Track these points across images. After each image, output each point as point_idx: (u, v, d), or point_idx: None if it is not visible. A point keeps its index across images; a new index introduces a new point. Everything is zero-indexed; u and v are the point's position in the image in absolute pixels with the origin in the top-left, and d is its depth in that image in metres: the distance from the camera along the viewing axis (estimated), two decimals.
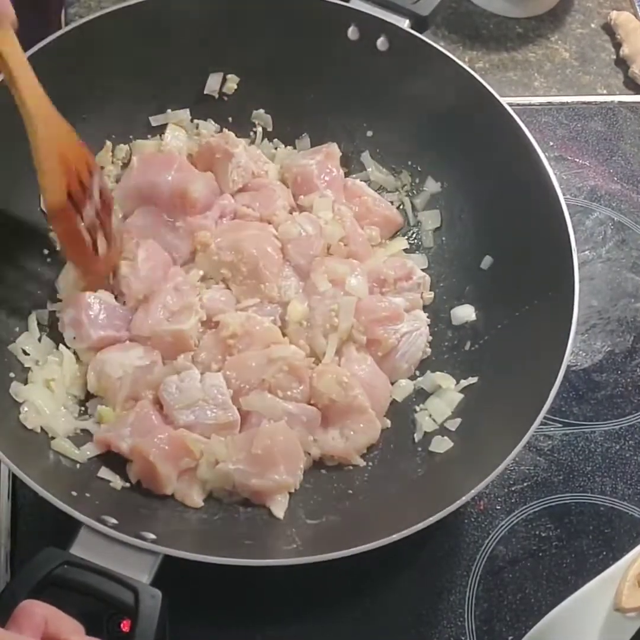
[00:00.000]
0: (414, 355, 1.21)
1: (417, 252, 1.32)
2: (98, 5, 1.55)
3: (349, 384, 1.12)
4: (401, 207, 1.35)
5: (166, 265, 1.19)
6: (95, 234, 1.13)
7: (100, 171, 1.16)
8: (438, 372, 1.20)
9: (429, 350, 1.23)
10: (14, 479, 1.13)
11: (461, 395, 1.17)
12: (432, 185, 1.32)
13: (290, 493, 1.09)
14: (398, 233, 1.34)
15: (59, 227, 1.11)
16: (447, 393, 1.17)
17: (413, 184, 1.35)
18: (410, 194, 1.35)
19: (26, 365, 1.12)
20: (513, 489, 1.21)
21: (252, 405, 1.10)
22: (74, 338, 1.14)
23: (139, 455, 1.05)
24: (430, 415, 1.17)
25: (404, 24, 1.26)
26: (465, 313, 1.24)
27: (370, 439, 1.14)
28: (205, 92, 1.33)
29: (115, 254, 1.18)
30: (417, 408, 1.18)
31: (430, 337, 1.23)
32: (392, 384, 1.20)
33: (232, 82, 1.33)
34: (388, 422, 1.18)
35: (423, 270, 1.28)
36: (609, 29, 1.73)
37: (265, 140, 1.37)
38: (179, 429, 1.07)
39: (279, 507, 1.07)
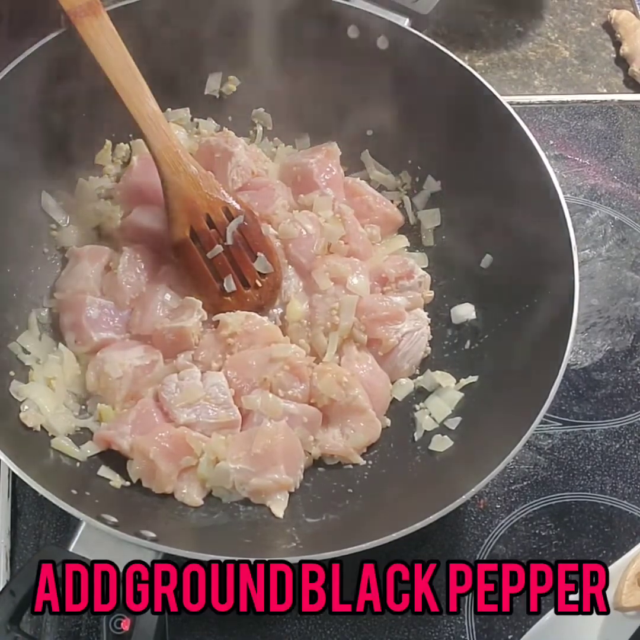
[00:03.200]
0: (416, 355, 1.21)
1: (417, 250, 1.32)
2: None
3: (349, 384, 1.12)
4: (401, 205, 1.35)
5: (153, 267, 1.20)
6: (221, 274, 1.17)
7: (254, 220, 1.20)
8: (438, 371, 1.20)
9: (429, 348, 1.23)
10: (14, 477, 1.13)
11: (461, 394, 1.17)
12: (432, 184, 1.32)
13: (290, 492, 1.09)
14: (398, 231, 1.34)
15: (179, 259, 1.18)
16: (447, 392, 1.18)
17: (413, 182, 1.35)
18: (410, 192, 1.35)
19: (27, 364, 1.12)
20: (513, 487, 1.21)
21: (254, 404, 1.10)
22: (76, 341, 1.14)
23: (139, 453, 1.05)
24: (430, 414, 1.17)
25: (404, 22, 1.26)
26: (465, 311, 1.24)
27: (371, 437, 1.15)
28: (205, 92, 1.33)
29: (265, 295, 1.20)
30: (417, 407, 1.19)
31: (431, 336, 1.23)
32: (393, 382, 1.20)
33: (233, 83, 1.34)
34: (388, 421, 1.18)
35: (423, 268, 1.28)
36: (609, 28, 1.73)
37: (265, 139, 1.37)
38: (180, 427, 1.07)
39: (279, 506, 1.07)
